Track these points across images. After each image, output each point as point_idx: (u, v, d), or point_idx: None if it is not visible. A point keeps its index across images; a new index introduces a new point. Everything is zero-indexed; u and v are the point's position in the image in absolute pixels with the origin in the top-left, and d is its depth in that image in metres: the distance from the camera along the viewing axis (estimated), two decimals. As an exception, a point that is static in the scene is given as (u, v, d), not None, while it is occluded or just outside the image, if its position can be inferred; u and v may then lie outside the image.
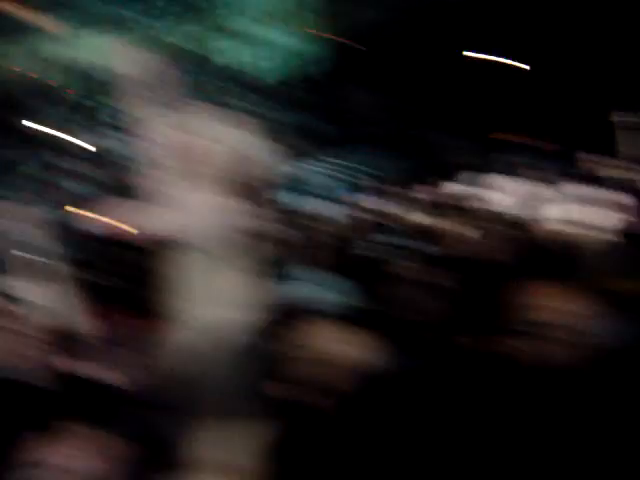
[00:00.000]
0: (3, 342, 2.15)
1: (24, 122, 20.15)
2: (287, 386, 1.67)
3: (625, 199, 3.95)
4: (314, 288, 2.72)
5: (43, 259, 2.35)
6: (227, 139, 0.55)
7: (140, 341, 2.05)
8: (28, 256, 2.28)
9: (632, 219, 3.67)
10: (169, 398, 0.96)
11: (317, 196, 9.89)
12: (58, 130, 19.47)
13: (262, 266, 3.22)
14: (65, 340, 2.15)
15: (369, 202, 7.28)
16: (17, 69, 22.77)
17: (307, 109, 17.16)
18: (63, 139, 19.03)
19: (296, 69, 23.06)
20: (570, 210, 3.71)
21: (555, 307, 1.71)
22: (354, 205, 7.30)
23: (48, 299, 2.29)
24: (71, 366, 2.01)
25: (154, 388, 1.85)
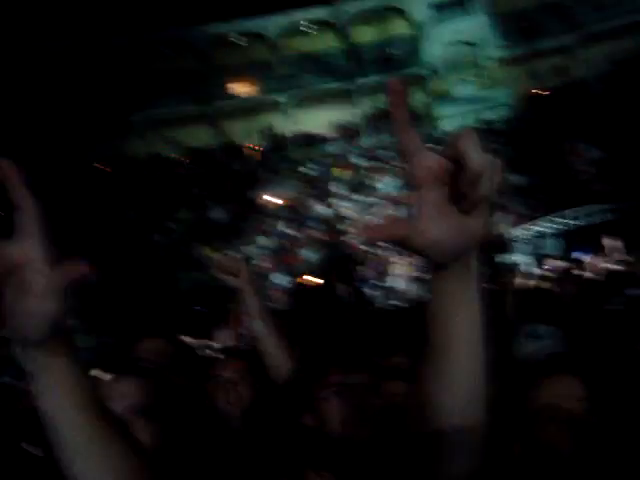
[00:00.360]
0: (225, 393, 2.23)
1: (259, 194, 22.18)
2: (524, 445, 1.63)
3: None
4: (550, 343, 2.76)
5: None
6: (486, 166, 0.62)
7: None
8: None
9: None
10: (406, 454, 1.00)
11: (547, 256, 9.58)
12: (291, 200, 21.14)
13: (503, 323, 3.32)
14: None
15: (604, 259, 6.92)
16: (250, 145, 25.37)
17: (526, 169, 16.79)
18: (296, 209, 20.54)
19: (512, 126, 22.51)
20: None
21: None
22: (588, 263, 6.99)
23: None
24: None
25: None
